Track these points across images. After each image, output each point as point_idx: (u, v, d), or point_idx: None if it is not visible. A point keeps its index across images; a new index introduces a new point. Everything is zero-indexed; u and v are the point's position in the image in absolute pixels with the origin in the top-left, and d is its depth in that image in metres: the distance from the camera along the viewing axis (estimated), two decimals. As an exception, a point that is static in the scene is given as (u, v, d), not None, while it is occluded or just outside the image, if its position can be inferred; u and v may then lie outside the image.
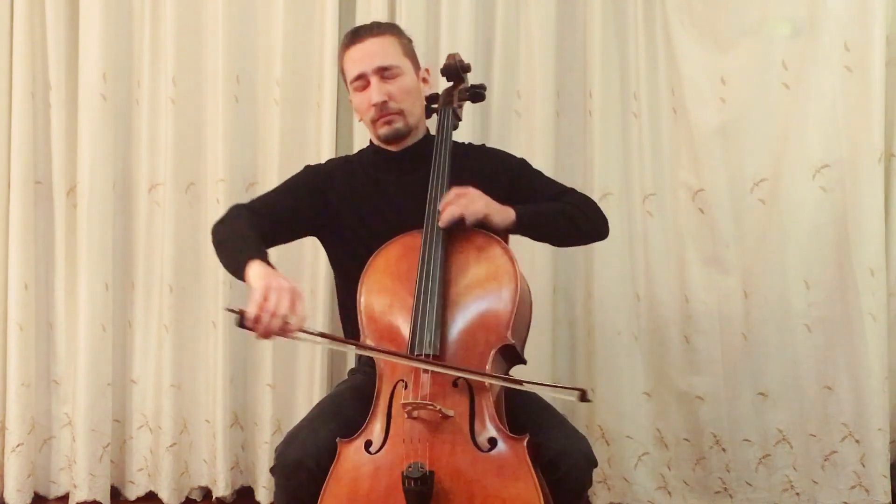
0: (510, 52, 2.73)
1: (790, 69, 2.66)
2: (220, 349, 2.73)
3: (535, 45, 2.71)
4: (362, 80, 2.01)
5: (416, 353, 1.74)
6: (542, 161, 2.63)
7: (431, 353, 1.74)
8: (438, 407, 1.67)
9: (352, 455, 1.71)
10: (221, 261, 1.90)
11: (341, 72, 2.09)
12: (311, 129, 2.77)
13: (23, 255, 2.74)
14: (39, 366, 2.81)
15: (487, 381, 1.73)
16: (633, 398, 2.75)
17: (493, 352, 1.78)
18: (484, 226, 1.90)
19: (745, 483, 2.74)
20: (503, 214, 1.92)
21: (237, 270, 1.79)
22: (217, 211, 2.72)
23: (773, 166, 2.69)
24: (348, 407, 1.85)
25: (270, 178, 2.74)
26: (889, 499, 2.64)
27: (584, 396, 1.66)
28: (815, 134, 2.65)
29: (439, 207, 1.90)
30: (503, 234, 1.95)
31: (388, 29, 2.06)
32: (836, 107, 2.62)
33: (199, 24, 2.75)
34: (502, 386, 1.78)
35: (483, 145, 2.24)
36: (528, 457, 1.65)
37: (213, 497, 2.81)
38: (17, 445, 2.75)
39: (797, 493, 2.72)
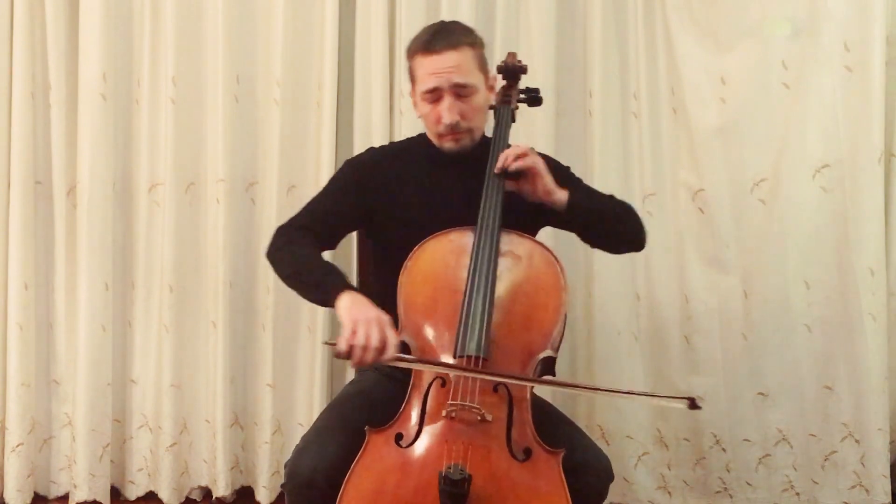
0: (510, 51, 2.72)
1: (790, 69, 2.66)
2: (220, 349, 2.73)
3: (535, 45, 2.70)
4: (435, 94, 1.94)
5: (462, 354, 1.72)
6: (542, 161, 2.63)
7: (480, 355, 1.71)
8: (481, 410, 1.65)
9: (381, 446, 1.68)
10: (300, 293, 1.88)
11: (410, 73, 2.02)
12: (311, 129, 2.77)
13: (23, 255, 2.74)
14: (39, 366, 2.81)
15: (601, 394, 1.69)
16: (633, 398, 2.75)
17: (535, 361, 1.77)
18: (538, 200, 1.90)
19: (745, 483, 2.74)
20: (558, 190, 1.92)
21: (325, 302, 1.78)
22: (217, 211, 2.73)
23: (773, 166, 2.69)
24: (356, 416, 1.81)
25: (270, 178, 2.74)
26: (889, 499, 2.64)
27: (693, 404, 1.61)
28: (815, 134, 2.65)
29: (497, 168, 1.90)
30: (548, 216, 1.99)
31: (465, 39, 1.97)
32: (836, 107, 2.62)
33: (199, 24, 2.75)
34: (531, 393, 1.77)
35: (532, 148, 2.20)
36: (562, 472, 1.64)
37: (213, 497, 2.81)
38: (17, 445, 2.75)
39: (797, 493, 2.72)
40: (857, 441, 2.66)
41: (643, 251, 2.71)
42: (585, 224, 2.00)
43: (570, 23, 2.75)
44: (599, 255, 2.70)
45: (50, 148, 2.75)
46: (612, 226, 2.01)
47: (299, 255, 1.89)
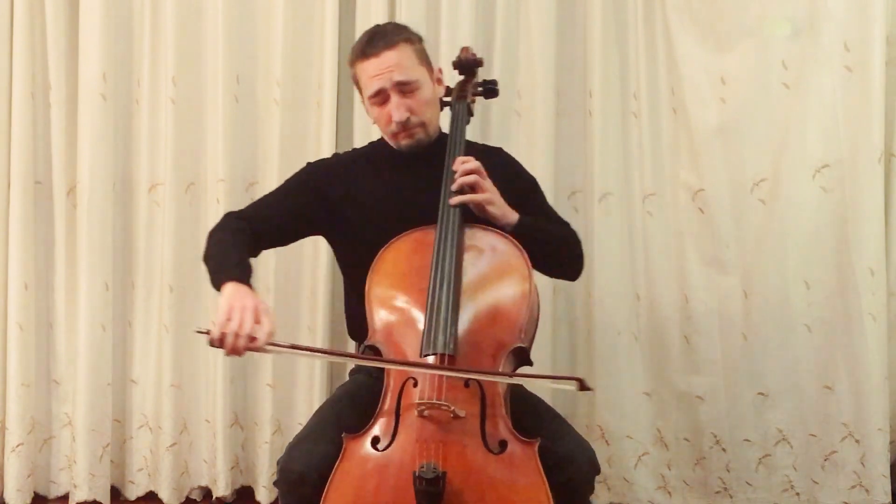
0: (510, 51, 2.73)
1: (790, 69, 2.66)
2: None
3: (535, 45, 2.71)
4: (381, 96, 1.97)
5: (429, 353, 1.71)
6: (542, 161, 2.63)
7: (446, 353, 1.70)
8: (452, 407, 1.64)
9: (358, 451, 1.68)
10: (209, 276, 1.89)
11: (355, 82, 2.04)
12: (311, 129, 2.77)
13: (23, 255, 2.74)
14: (39, 366, 2.81)
15: (481, 378, 1.71)
16: (633, 398, 2.75)
17: (505, 353, 1.76)
18: (483, 212, 1.89)
19: (745, 483, 2.74)
20: (507, 210, 1.92)
21: (217, 288, 1.80)
22: (217, 211, 2.72)
23: (773, 166, 2.69)
24: (347, 415, 1.82)
25: (270, 178, 2.74)
26: (889, 499, 2.64)
27: (582, 385, 1.62)
28: (815, 134, 2.65)
29: (454, 168, 1.90)
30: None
31: (400, 37, 1.98)
32: (836, 107, 2.62)
33: (199, 24, 2.75)
34: (508, 387, 1.76)
35: (500, 149, 2.19)
36: (538, 461, 1.64)
37: (213, 497, 2.81)
38: (17, 445, 2.75)
39: (797, 493, 2.72)
40: (857, 441, 2.66)
41: (643, 250, 2.75)
42: (528, 245, 1.95)
43: (570, 23, 2.75)
44: (599, 255, 2.72)
45: (50, 148, 2.76)
46: (550, 256, 1.99)
47: (219, 241, 1.93)
